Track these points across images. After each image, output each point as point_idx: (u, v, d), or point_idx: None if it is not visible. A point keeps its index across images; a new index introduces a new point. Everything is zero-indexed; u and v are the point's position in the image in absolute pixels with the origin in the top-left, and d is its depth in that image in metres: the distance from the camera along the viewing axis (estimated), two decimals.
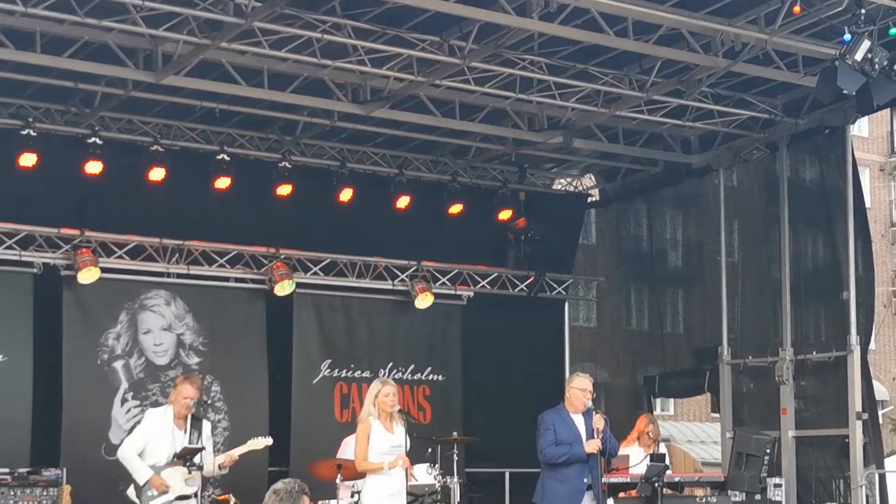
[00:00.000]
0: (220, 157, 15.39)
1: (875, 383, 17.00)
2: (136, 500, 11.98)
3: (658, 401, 39.15)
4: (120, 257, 15.20)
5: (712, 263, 17.53)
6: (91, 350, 14.89)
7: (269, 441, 12.74)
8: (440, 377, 17.13)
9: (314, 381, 16.29)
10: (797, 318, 16.22)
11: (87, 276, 14.62)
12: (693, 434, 38.86)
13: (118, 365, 15.00)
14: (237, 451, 12.49)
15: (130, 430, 13.96)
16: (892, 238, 47.69)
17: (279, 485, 8.44)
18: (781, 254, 16.28)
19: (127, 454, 12.03)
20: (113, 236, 15.14)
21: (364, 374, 16.31)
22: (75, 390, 14.68)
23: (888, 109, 42.72)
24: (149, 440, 11.99)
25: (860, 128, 44.38)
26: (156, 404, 13.80)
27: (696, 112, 15.74)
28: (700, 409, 39.23)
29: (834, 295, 15.95)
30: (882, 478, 15.32)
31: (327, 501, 12.94)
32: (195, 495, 11.89)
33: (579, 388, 12.36)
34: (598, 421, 12.28)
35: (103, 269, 14.78)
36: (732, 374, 16.85)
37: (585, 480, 12.18)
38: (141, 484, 11.82)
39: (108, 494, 14.06)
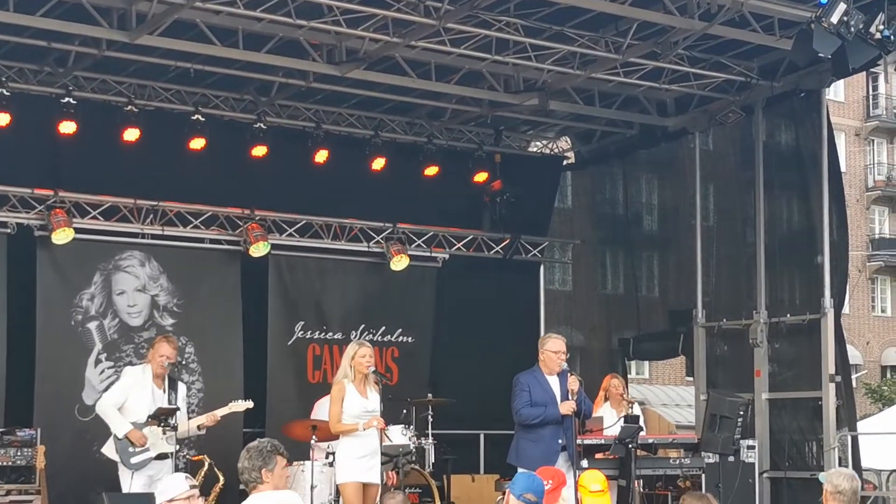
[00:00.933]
0: (194, 117, 15.33)
1: (849, 347, 17.05)
2: (114, 457, 12.01)
3: (633, 364, 39.39)
4: (94, 218, 15.13)
5: (687, 227, 17.53)
6: (65, 311, 14.83)
7: (249, 404, 12.81)
8: (409, 339, 17.11)
9: (288, 343, 16.27)
10: (771, 281, 16.25)
11: (62, 236, 14.55)
12: (668, 397, 39.07)
13: (92, 326, 14.95)
14: (219, 412, 12.55)
15: (105, 391, 14.01)
16: (867, 203, 47.92)
17: (253, 444, 8.47)
18: (756, 218, 16.28)
19: (105, 407, 12.07)
20: (87, 197, 15.06)
21: (336, 336, 16.32)
22: (49, 351, 14.62)
23: (864, 74, 42.99)
24: (128, 396, 12.03)
25: (836, 92, 44.49)
26: (129, 365, 13.73)
27: (671, 74, 15.72)
28: (675, 372, 39.42)
29: (808, 259, 15.97)
30: (855, 440, 15.38)
31: (302, 462, 12.97)
32: (171, 455, 11.93)
33: (553, 349, 12.40)
34: (573, 382, 12.33)
35: (77, 230, 14.70)
36: (707, 337, 16.89)
37: (560, 441, 12.23)
38: (119, 436, 11.85)
39: (82, 454, 14.11)
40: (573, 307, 19.64)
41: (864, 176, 48.10)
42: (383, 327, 16.93)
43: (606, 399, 14.26)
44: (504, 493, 7.79)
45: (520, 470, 12.12)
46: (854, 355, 42.84)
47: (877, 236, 48.49)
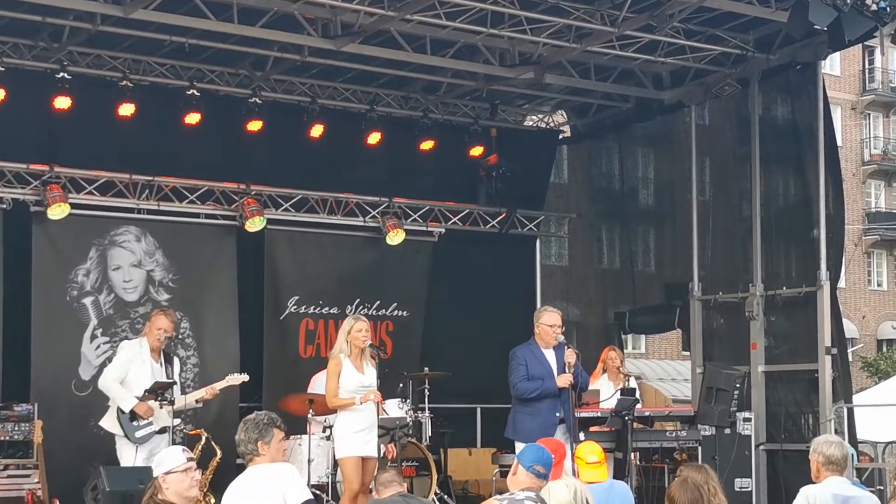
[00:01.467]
0: (189, 92, 15.29)
1: (845, 321, 17.08)
2: (114, 430, 12.03)
3: (629, 339, 39.39)
4: (90, 193, 15.09)
5: (683, 202, 17.51)
6: (60, 286, 14.80)
7: (245, 377, 12.84)
8: (404, 313, 17.10)
9: (281, 318, 16.27)
10: (767, 255, 16.24)
11: (57, 211, 14.51)
12: (664, 372, 39.13)
13: (87, 301, 14.93)
14: (217, 385, 12.60)
15: (101, 366, 14.05)
16: (863, 177, 47.92)
17: (250, 417, 8.50)
18: (752, 191, 16.28)
19: (108, 383, 12.13)
20: (82, 172, 15.02)
21: (331, 311, 16.32)
22: (44, 326, 14.60)
23: (860, 48, 42.99)
24: (128, 370, 12.05)
25: (832, 66, 44.47)
26: (125, 340, 13.71)
27: (667, 47, 15.68)
28: (671, 347, 39.47)
29: (804, 233, 15.97)
30: (850, 412, 15.41)
31: (299, 436, 12.99)
32: (169, 430, 11.97)
33: (548, 323, 12.43)
34: (570, 355, 12.36)
35: (73, 205, 14.66)
36: (703, 311, 16.89)
37: (558, 415, 12.28)
38: (126, 411, 11.88)
39: (78, 429, 14.13)
40: (569, 282, 19.63)
41: (860, 150, 48.08)
42: (378, 301, 16.91)
43: (605, 371, 14.30)
44: (514, 464, 7.74)
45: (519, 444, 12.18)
46: (850, 329, 42.90)
47: (873, 210, 48.51)
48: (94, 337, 14.85)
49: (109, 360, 13.99)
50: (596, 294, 19.11)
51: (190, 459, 8.10)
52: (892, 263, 49.12)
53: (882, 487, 17.01)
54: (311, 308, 16.46)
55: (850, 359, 17.97)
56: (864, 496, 8.92)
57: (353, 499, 11.09)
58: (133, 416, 11.94)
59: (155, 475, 7.95)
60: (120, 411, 11.99)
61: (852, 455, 10.52)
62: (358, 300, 16.64)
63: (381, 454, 12.23)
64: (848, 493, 8.80)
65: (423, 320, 17.28)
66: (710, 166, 17.63)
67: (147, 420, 11.96)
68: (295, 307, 16.36)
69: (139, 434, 11.94)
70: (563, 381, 12.25)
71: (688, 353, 17.94)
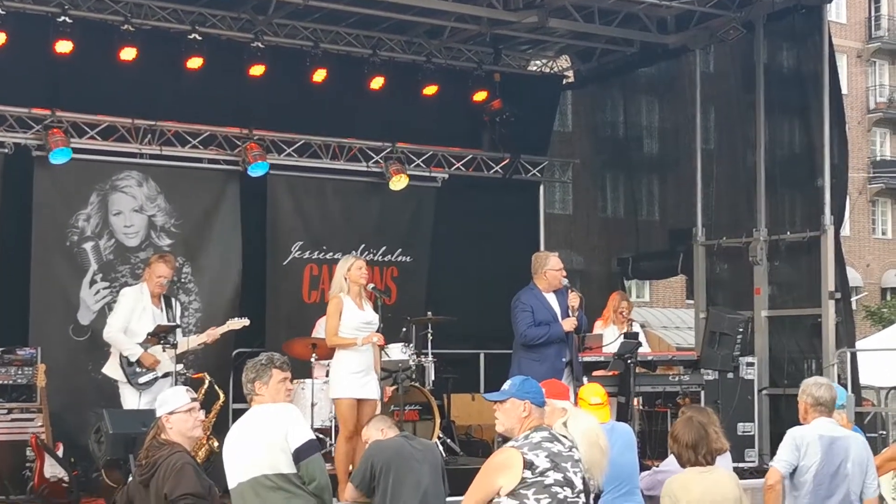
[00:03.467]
0: (191, 36, 15.19)
1: (849, 269, 17.05)
2: (116, 376, 12.04)
3: (634, 287, 39.46)
4: (92, 138, 15.03)
5: (688, 150, 17.46)
6: (61, 231, 14.76)
7: (246, 321, 12.81)
8: (409, 259, 17.09)
9: (284, 263, 16.25)
10: (772, 202, 16.21)
11: (59, 156, 14.47)
12: (668, 320, 39.18)
13: (88, 246, 14.88)
14: (219, 330, 12.58)
15: (100, 312, 14.06)
16: (869, 125, 47.79)
17: (253, 358, 8.52)
18: (756, 139, 16.23)
19: (113, 333, 12.12)
20: (85, 116, 14.96)
21: (335, 256, 16.14)
22: (44, 271, 14.57)
23: None
24: (131, 318, 12.04)
25: (838, 14, 44.27)
26: (125, 286, 13.70)
27: None
28: (675, 295, 39.50)
29: (808, 180, 15.92)
30: (853, 357, 15.39)
31: (302, 381, 12.99)
32: (172, 374, 11.97)
33: (556, 267, 12.43)
34: (574, 299, 12.34)
35: (75, 150, 14.59)
36: (706, 256, 16.87)
37: (564, 360, 12.24)
38: (133, 360, 11.88)
39: (76, 374, 14.18)
40: (573, 230, 19.60)
41: (865, 98, 47.93)
42: (384, 247, 16.90)
43: (612, 316, 14.28)
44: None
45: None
46: (854, 277, 42.91)
47: (878, 158, 48.42)
48: (93, 282, 14.82)
49: (109, 305, 14.05)
50: (600, 242, 19.08)
51: (194, 400, 8.13)
52: None
53: (884, 433, 17.11)
54: (316, 253, 16.45)
55: (854, 308, 17.96)
56: (850, 437, 8.93)
57: (349, 440, 11.06)
58: (137, 363, 11.94)
59: (158, 415, 7.97)
60: (123, 358, 11.98)
61: (852, 398, 10.50)
62: (363, 245, 16.58)
63: (382, 398, 12.21)
64: (834, 434, 8.82)
65: (428, 266, 17.26)
66: (714, 114, 17.58)
67: (154, 369, 11.97)
68: (299, 252, 16.35)
69: (142, 380, 11.95)
70: (569, 324, 12.24)
71: (692, 301, 17.94)
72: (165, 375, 11.97)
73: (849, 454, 8.78)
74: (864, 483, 8.84)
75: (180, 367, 12.12)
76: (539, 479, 7.03)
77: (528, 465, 7.01)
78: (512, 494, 7.03)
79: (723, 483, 7.83)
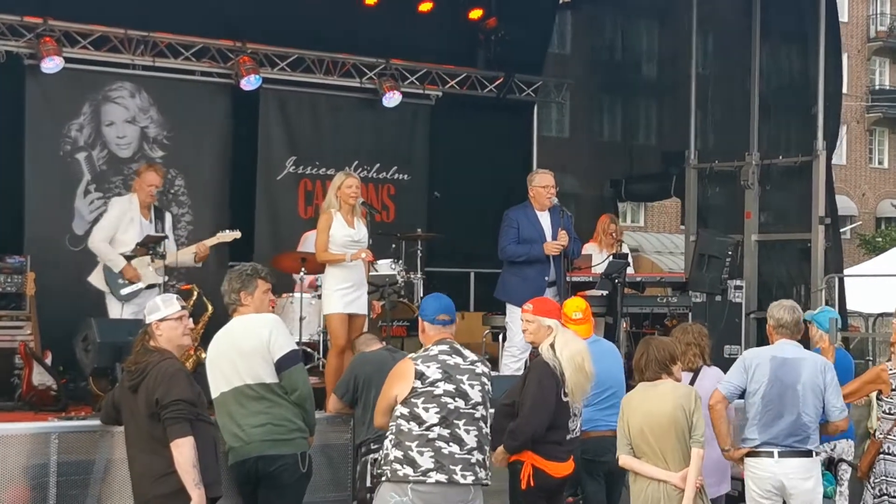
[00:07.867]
0: None
1: (844, 198, 17.10)
2: (101, 286, 12.04)
3: (628, 212, 39.48)
4: (84, 48, 14.93)
5: (685, 75, 17.40)
6: (54, 141, 14.72)
7: (237, 234, 12.78)
8: (405, 176, 17.09)
9: (278, 178, 16.24)
10: (765, 127, 16.21)
11: (51, 65, 14.40)
12: (662, 245, 39.19)
13: (81, 157, 14.87)
14: (208, 242, 12.52)
15: (94, 222, 14.02)
16: (868, 54, 47.55)
17: (235, 268, 8.53)
18: (752, 64, 16.19)
19: (97, 243, 12.07)
20: (77, 26, 14.83)
21: (329, 172, 16.13)
22: (38, 181, 14.56)
23: None
24: (117, 228, 12.01)
25: None
26: (119, 196, 13.68)
27: None
28: (669, 220, 39.51)
29: (803, 108, 15.91)
30: (841, 282, 15.45)
31: (290, 294, 13.01)
32: (160, 286, 11.96)
33: (541, 185, 12.33)
34: (563, 237, 12.21)
35: (67, 59, 14.52)
36: (698, 180, 16.88)
37: (546, 279, 12.23)
38: (116, 272, 11.87)
39: (71, 284, 14.06)
40: (568, 153, 19.58)
41: (865, 26, 47.64)
42: (378, 164, 16.89)
43: (601, 238, 14.30)
44: (419, 323, 7.92)
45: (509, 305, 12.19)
46: (850, 206, 42.97)
47: (877, 87, 48.24)
48: (87, 192, 14.83)
49: (102, 216, 14.00)
50: (594, 165, 19.07)
51: (184, 307, 8.13)
52: (894, 141, 48.97)
53: (870, 358, 17.20)
54: (309, 168, 16.43)
55: (849, 236, 17.97)
56: (805, 358, 8.90)
57: (340, 354, 11.10)
58: (119, 274, 11.92)
59: (148, 321, 7.97)
60: (107, 268, 11.98)
61: (836, 321, 10.49)
62: (357, 161, 16.55)
63: (370, 314, 12.24)
64: (787, 356, 8.84)
65: (426, 185, 17.26)
66: (711, 40, 17.51)
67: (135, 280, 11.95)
68: (293, 167, 16.33)
69: (124, 291, 11.90)
70: (550, 248, 12.18)
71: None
72: (150, 287, 11.94)
73: (800, 376, 8.77)
74: (826, 404, 8.82)
75: (167, 278, 12.10)
76: (428, 388, 7.55)
77: (419, 375, 7.60)
78: (404, 402, 7.58)
79: (662, 396, 8.20)
